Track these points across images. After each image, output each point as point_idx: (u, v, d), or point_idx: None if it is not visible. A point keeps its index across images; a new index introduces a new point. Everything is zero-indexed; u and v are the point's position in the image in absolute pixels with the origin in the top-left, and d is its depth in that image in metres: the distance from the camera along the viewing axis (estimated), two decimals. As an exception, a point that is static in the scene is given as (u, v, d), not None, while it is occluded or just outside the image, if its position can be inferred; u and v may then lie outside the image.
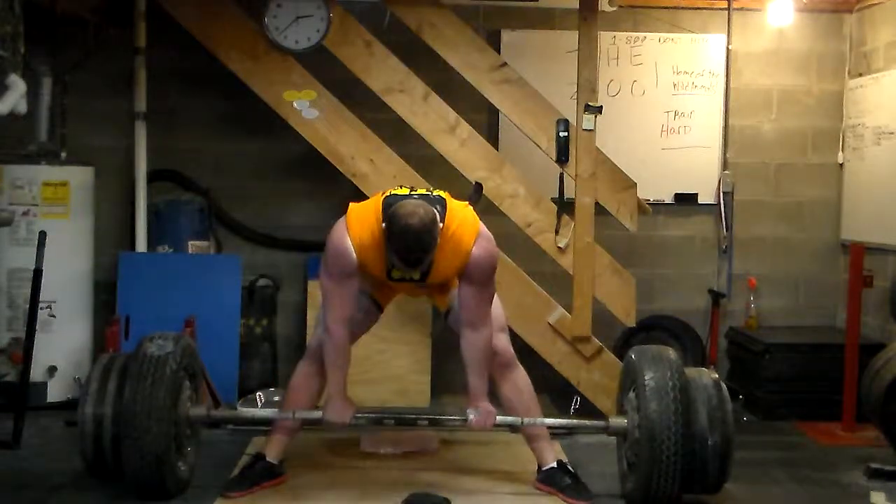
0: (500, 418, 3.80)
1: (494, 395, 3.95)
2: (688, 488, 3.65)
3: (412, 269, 3.53)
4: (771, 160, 5.97)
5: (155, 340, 3.76)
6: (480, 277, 3.62)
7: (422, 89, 4.96)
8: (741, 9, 5.81)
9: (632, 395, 3.72)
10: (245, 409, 4.50)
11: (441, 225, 3.50)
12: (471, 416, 3.75)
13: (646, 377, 3.60)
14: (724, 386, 3.72)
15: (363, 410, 3.91)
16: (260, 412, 4.25)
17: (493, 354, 3.83)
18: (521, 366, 3.95)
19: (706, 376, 3.75)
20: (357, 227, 3.58)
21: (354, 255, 3.56)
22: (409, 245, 3.42)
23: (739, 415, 5.15)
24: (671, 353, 3.75)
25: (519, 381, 3.93)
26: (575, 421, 4.17)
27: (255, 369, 5.46)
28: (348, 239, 3.56)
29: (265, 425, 4.14)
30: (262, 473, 3.89)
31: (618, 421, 3.80)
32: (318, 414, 3.82)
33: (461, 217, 3.63)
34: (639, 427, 3.61)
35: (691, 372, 3.74)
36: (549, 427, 3.96)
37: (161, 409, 3.61)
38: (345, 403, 3.78)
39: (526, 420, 3.85)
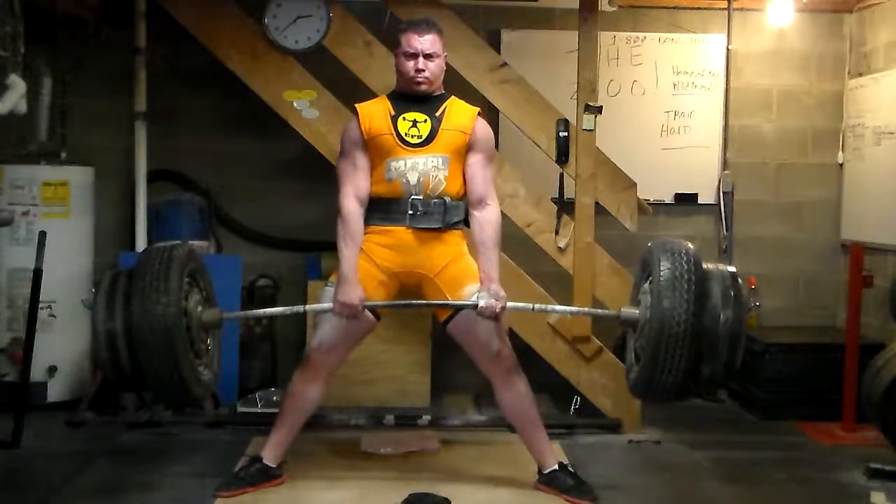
0: (510, 304, 3.70)
1: (496, 400, 3.98)
2: (695, 376, 3.41)
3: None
4: (771, 160, 5.97)
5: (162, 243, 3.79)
6: (486, 145, 3.85)
7: (422, 89, 4.95)
8: (741, 9, 5.80)
9: (647, 285, 3.54)
10: (256, 311, 4.49)
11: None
12: (481, 303, 3.65)
13: (661, 266, 3.40)
14: (739, 278, 3.51)
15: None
16: (270, 311, 4.31)
17: (497, 359, 3.82)
18: (522, 373, 3.92)
19: (723, 267, 3.54)
20: (364, 104, 3.90)
21: (359, 126, 3.78)
22: None
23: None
24: (690, 244, 3.56)
25: (520, 388, 3.90)
26: (586, 309, 4.13)
27: (255, 369, 5.45)
28: (356, 116, 3.83)
29: (263, 422, 4.12)
30: (256, 475, 3.88)
31: (630, 310, 3.61)
32: (328, 305, 3.71)
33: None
34: (650, 309, 3.41)
35: (709, 265, 3.53)
36: (565, 314, 3.82)
37: (168, 285, 3.39)
38: (356, 285, 3.68)
39: (537, 306, 3.85)
